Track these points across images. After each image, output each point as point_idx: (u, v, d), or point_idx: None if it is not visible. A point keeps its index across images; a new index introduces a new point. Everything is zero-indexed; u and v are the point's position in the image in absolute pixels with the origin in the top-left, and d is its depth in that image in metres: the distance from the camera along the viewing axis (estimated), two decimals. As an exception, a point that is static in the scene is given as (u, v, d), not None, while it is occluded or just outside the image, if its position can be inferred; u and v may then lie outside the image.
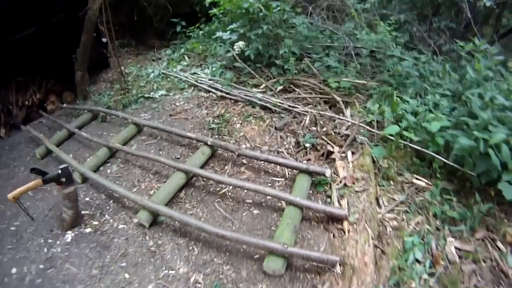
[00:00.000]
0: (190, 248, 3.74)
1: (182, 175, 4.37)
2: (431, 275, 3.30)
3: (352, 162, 4.46)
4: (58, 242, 4.02)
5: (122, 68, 7.48)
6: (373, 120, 5.11)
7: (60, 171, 3.80)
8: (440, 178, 4.28)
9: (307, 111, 5.44)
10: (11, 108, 7.62)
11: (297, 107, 5.61)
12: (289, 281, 3.29)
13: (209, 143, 4.78)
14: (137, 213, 4.01)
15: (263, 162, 4.69)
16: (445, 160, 4.13)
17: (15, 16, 6.99)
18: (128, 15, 10.38)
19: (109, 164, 5.15)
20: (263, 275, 3.37)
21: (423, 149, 4.32)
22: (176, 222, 3.94)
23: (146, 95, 6.73)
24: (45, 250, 3.96)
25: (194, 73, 7.33)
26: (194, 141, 5.12)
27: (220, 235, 3.50)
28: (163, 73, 7.64)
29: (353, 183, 4.14)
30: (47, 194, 4.88)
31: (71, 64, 7.52)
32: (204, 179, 4.54)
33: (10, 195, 3.64)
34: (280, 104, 5.69)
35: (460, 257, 3.46)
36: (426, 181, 4.30)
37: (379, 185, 4.24)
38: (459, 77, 5.74)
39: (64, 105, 7.42)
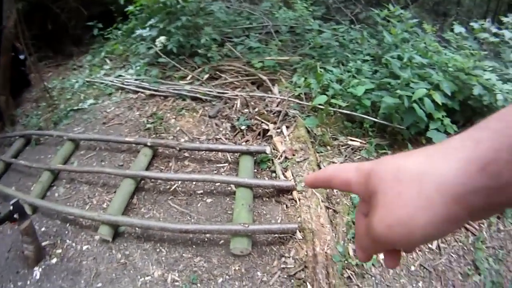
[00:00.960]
0: (158, 250, 3.82)
1: (130, 181, 4.40)
2: (382, 223, 3.68)
3: (288, 135, 4.72)
4: (28, 282, 3.92)
5: (45, 83, 7.27)
6: (301, 93, 5.40)
7: (11, 207, 3.67)
8: (372, 136, 4.67)
9: (236, 95, 5.59)
10: None
11: (227, 93, 5.73)
12: (258, 257, 3.60)
13: (148, 144, 4.81)
14: (97, 229, 4.01)
15: (204, 152, 4.81)
16: (374, 119, 4.55)
17: None
18: (41, 25, 9.90)
19: (55, 187, 5.00)
20: (233, 258, 3.62)
21: (352, 112, 4.71)
22: (137, 229, 3.99)
23: (75, 108, 6.55)
24: (18, 294, 3.88)
25: (119, 75, 7.21)
26: (134, 145, 5.11)
27: (184, 230, 3.66)
28: (87, 81, 7.42)
29: (293, 155, 4.40)
30: (1, 235, 4.68)
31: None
32: (153, 180, 4.59)
33: None
34: (209, 93, 5.78)
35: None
36: (360, 140, 4.70)
37: (318, 152, 4.52)
38: (377, 42, 6.20)
39: (-7, 136, 7.12)
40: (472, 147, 0.45)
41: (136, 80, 6.69)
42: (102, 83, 7.11)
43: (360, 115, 4.64)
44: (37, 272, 3.99)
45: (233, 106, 5.50)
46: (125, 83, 6.73)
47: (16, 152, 6.16)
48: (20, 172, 5.73)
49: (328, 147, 4.64)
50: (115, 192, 4.48)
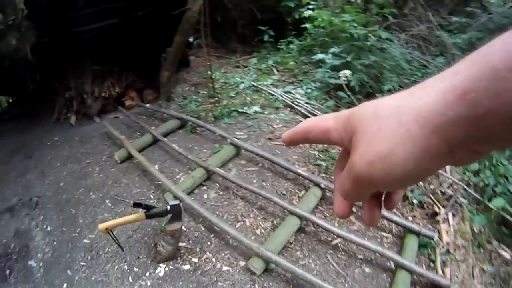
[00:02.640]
0: (304, 303, 3.53)
1: (296, 220, 4.08)
2: None
3: (453, 226, 4.47)
4: (147, 274, 3.71)
5: (211, 73, 7.20)
6: (470, 179, 5.06)
7: (169, 208, 3.44)
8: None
9: None
10: (85, 97, 7.47)
11: None
12: None
13: (322, 186, 4.49)
14: (244, 253, 3.82)
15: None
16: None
17: (98, 5, 6.97)
18: (210, 15, 10.11)
19: (205, 188, 4.80)
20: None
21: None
22: (288, 273, 3.66)
23: (239, 110, 6.45)
24: (130, 279, 3.67)
25: (288, 91, 7.07)
26: (301, 177, 4.78)
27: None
28: (253, 85, 7.39)
29: (455, 250, 4.19)
30: (132, 210, 4.51)
31: (156, 61, 7.38)
32: (315, 225, 4.24)
33: (102, 226, 3.26)
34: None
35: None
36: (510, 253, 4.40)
37: (473, 253, 4.27)
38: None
39: (147, 105, 7.17)
40: (451, 77, 0.44)
41: (307, 103, 6.46)
42: (270, 93, 6.99)
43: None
44: (162, 269, 3.76)
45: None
46: (296, 102, 6.52)
47: (168, 131, 6.16)
48: (166, 153, 5.67)
49: (481, 249, 4.31)
50: (272, 221, 4.26)
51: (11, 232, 4.66)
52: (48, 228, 4.54)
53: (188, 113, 6.59)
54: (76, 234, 4.33)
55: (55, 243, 4.29)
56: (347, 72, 6.18)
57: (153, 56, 7.47)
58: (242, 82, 7.50)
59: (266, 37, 9.41)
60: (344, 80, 6.19)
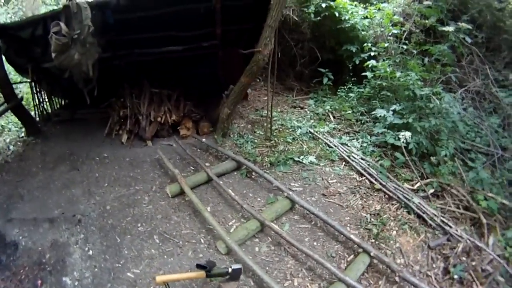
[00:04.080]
0: None
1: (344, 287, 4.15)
2: None
3: None
4: None
5: (271, 115, 7.41)
6: (511, 256, 4.95)
7: (230, 271, 3.66)
8: None
9: (461, 237, 5.19)
10: (140, 118, 7.71)
11: (451, 227, 5.34)
12: None
13: (372, 254, 4.55)
14: None
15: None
16: None
17: (164, 31, 7.30)
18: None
19: (257, 240, 4.89)
20: None
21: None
22: None
23: (296, 158, 6.60)
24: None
25: (344, 143, 7.20)
26: (351, 241, 4.82)
27: None
28: (310, 131, 7.54)
29: None
30: (180, 252, 4.67)
31: (216, 94, 7.63)
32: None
33: (160, 279, 3.40)
34: (435, 218, 5.44)
35: None
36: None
37: None
38: None
39: (204, 139, 7.33)
40: None
41: (362, 159, 6.60)
42: (326, 143, 7.15)
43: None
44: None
45: (454, 247, 5.08)
46: (352, 158, 6.65)
47: (223, 172, 6.28)
48: (220, 195, 5.79)
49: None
50: (320, 284, 4.29)
51: (48, 242, 4.83)
52: (90, 252, 4.65)
53: (244, 154, 6.75)
54: (120, 265, 4.44)
55: (96, 269, 4.40)
56: (407, 134, 6.26)
57: (214, 88, 7.73)
58: (299, 127, 7.67)
59: (325, 80, 9.57)
60: (403, 142, 6.29)
